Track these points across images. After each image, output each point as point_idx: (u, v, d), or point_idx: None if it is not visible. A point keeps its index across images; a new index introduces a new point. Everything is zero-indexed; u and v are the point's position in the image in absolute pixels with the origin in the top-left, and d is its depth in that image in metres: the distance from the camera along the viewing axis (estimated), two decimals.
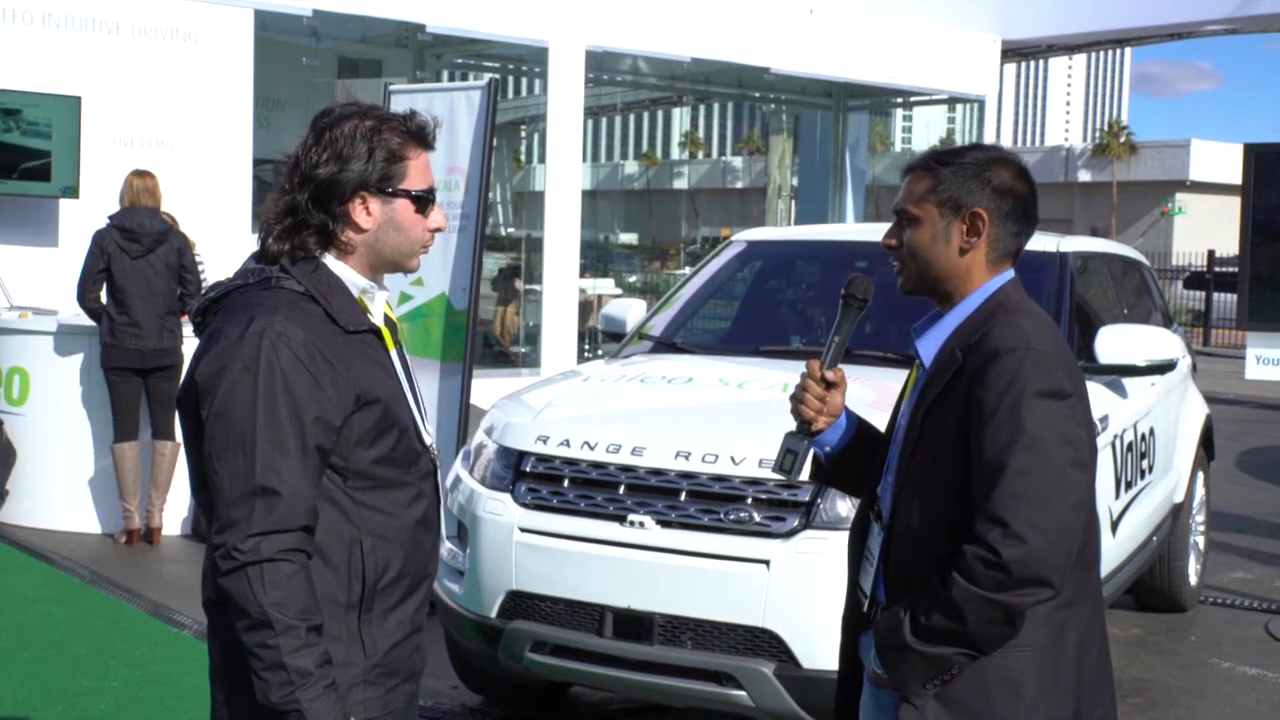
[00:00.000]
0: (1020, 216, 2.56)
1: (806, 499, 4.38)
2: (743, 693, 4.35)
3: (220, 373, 2.28)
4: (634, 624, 4.46)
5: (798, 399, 2.70)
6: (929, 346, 2.56)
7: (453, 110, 7.27)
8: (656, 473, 4.54)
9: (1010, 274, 2.58)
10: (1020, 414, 2.34)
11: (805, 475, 2.75)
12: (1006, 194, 2.54)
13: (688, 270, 12.38)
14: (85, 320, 8.09)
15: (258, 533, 2.21)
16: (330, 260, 2.40)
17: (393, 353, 2.48)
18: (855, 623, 2.72)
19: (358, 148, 2.36)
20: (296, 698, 2.19)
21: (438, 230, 2.48)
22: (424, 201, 2.43)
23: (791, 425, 2.72)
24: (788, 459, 2.70)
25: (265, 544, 2.21)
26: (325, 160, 2.36)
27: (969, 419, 2.40)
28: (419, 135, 2.43)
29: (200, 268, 8.14)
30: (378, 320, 2.46)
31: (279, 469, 2.23)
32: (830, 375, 2.70)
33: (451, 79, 15.81)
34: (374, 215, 2.39)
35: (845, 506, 4.29)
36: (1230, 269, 25.48)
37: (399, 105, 6.62)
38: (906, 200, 2.57)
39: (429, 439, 2.52)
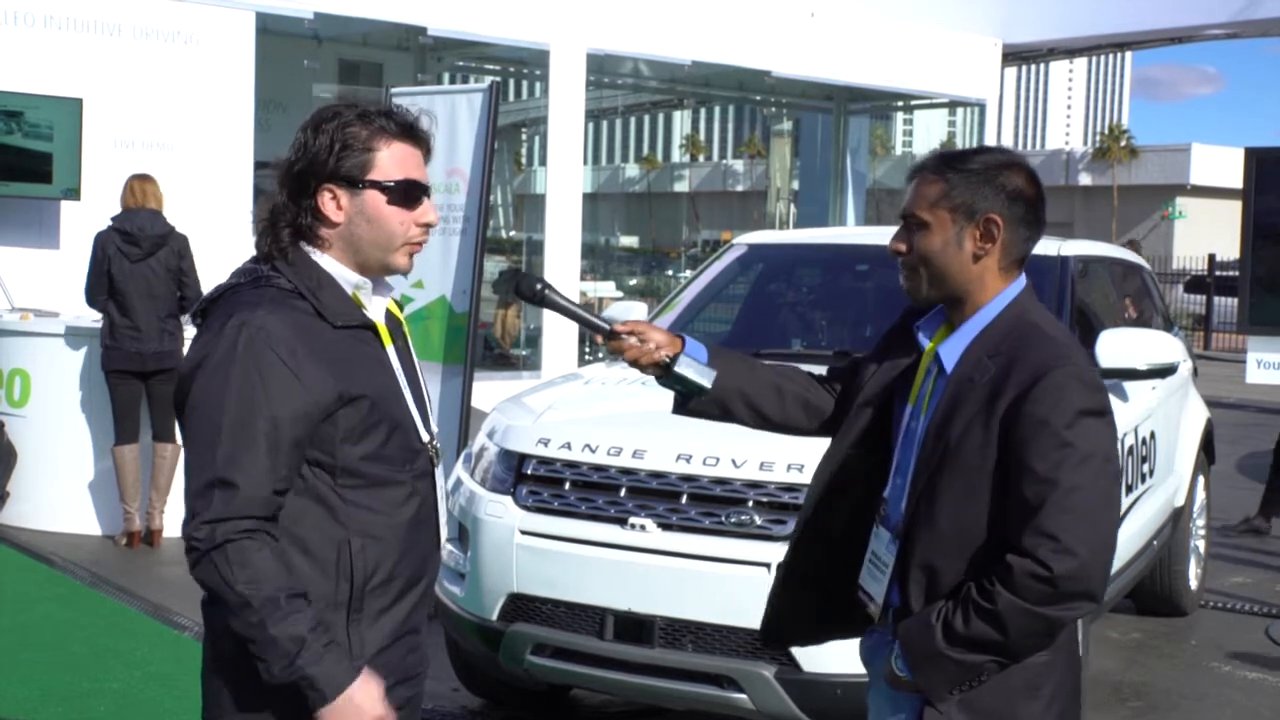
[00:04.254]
0: (1032, 221, 2.55)
1: None
2: (743, 696, 4.35)
3: (198, 367, 2.30)
4: (635, 627, 4.46)
5: (628, 362, 2.73)
6: (951, 353, 2.54)
7: (454, 113, 7.28)
8: (657, 475, 4.55)
9: (1024, 281, 2.58)
10: (1072, 432, 2.36)
11: (709, 384, 2.75)
12: (1019, 199, 2.52)
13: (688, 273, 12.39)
14: (86, 322, 8.10)
15: (211, 520, 2.22)
16: (316, 255, 2.40)
17: (389, 348, 2.47)
18: (831, 611, 2.77)
19: (320, 140, 2.37)
20: (298, 666, 2.19)
21: (428, 225, 2.45)
22: (399, 194, 2.39)
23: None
24: (679, 390, 2.76)
25: (220, 529, 2.22)
26: (299, 158, 2.39)
27: (1012, 432, 2.40)
28: (393, 128, 2.41)
29: None
30: (375, 317, 2.46)
31: (240, 462, 2.23)
32: (612, 336, 2.71)
33: (453, 81, 15.82)
34: (344, 208, 2.39)
35: None
36: (1231, 273, 25.47)
37: None
38: (917, 205, 2.54)
39: (428, 437, 2.50)
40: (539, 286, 2.72)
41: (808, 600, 2.81)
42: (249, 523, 2.23)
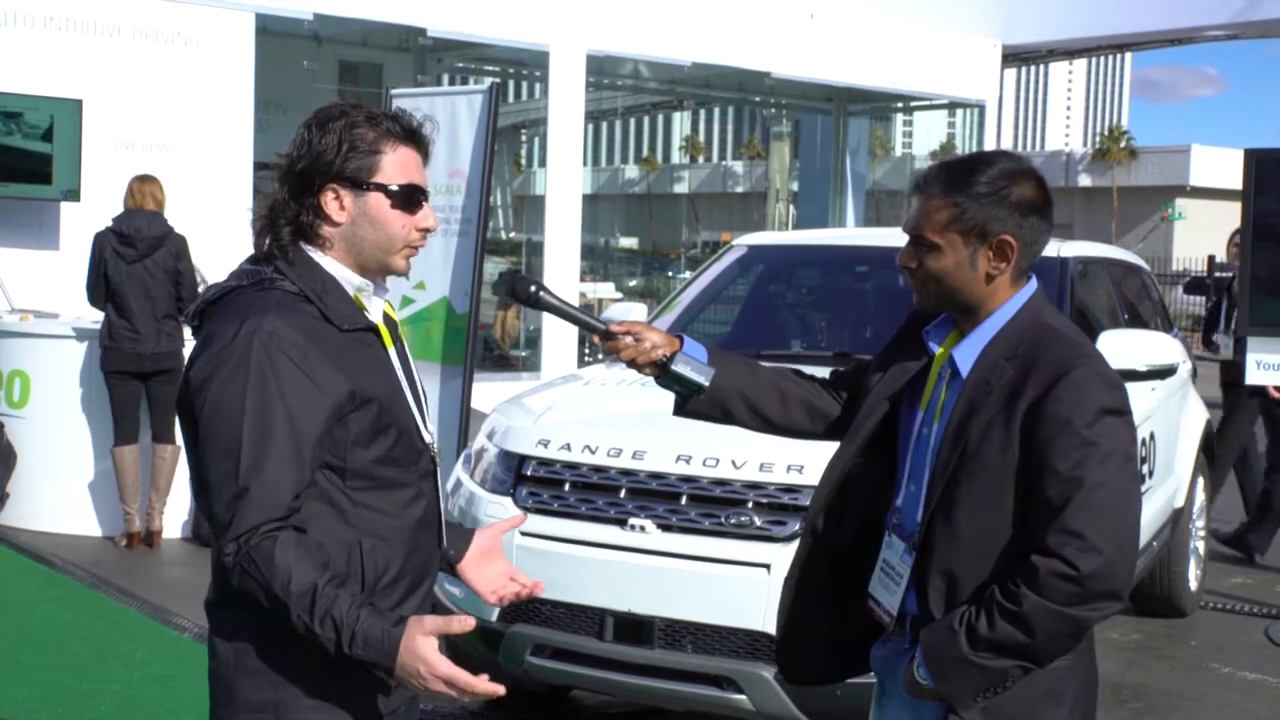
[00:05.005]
0: (1044, 229, 2.53)
1: (808, 503, 4.38)
2: (743, 696, 4.36)
3: (211, 376, 2.29)
4: (634, 628, 4.46)
5: (625, 362, 2.71)
6: (965, 357, 2.52)
7: (454, 114, 7.28)
8: (657, 476, 4.55)
9: (1035, 284, 2.56)
10: (1093, 430, 2.35)
11: (707, 381, 2.72)
12: (1031, 211, 2.49)
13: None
14: (86, 323, 8.11)
15: (240, 533, 2.22)
16: (318, 256, 2.40)
17: (391, 350, 2.48)
18: (845, 625, 2.72)
19: (328, 140, 2.37)
20: (349, 653, 2.20)
21: (427, 230, 2.46)
22: (402, 197, 2.40)
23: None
24: (678, 390, 2.74)
25: (247, 540, 2.23)
26: (302, 155, 2.38)
27: (1034, 432, 2.38)
28: (399, 131, 2.41)
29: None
30: (376, 319, 2.46)
31: (264, 471, 2.24)
32: (608, 336, 2.70)
33: (452, 83, 15.84)
34: (347, 209, 2.39)
35: None
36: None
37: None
38: (926, 228, 2.50)
39: (429, 438, 2.51)
40: (533, 289, 2.71)
41: (820, 614, 2.77)
42: (270, 525, 2.24)
